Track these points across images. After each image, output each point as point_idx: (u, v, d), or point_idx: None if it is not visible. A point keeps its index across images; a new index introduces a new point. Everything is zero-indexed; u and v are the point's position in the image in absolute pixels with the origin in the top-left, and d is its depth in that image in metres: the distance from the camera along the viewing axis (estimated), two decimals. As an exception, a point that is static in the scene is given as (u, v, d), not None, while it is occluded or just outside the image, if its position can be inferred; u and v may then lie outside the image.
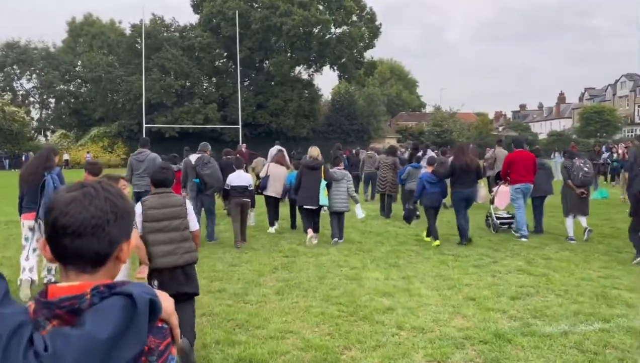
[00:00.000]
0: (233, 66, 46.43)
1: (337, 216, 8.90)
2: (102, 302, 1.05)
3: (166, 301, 1.19)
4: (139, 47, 42.42)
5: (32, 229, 5.96)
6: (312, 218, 8.88)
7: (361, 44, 50.92)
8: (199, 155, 9.08)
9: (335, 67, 51.98)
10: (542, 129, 75.73)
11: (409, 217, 9.76)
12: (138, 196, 8.37)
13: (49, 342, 0.95)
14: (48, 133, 56.46)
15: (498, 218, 9.90)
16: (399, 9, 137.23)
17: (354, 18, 50.45)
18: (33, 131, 54.43)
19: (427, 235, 8.88)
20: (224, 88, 49.20)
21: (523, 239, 8.85)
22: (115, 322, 1.01)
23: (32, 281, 5.79)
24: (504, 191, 9.57)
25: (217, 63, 50.51)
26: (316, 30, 49.25)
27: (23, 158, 43.23)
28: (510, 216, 9.87)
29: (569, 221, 8.87)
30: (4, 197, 17.46)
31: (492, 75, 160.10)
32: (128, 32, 49.88)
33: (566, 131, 63.97)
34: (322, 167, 8.77)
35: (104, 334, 0.98)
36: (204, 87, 50.74)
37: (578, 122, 60.87)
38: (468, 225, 8.70)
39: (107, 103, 49.87)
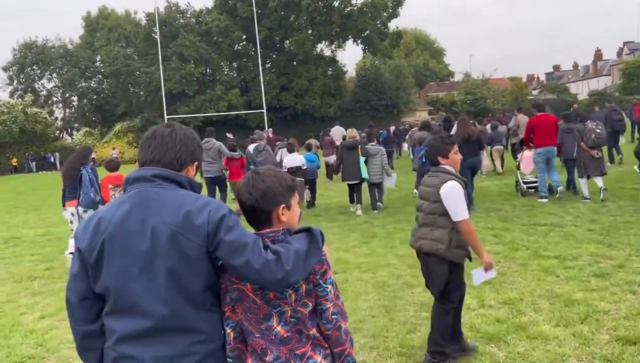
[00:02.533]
0: (253, 48, 44.50)
1: (375, 187, 9.90)
2: (292, 236, 1.75)
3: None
4: (156, 36, 40.93)
5: (73, 214, 6.99)
6: (354, 192, 9.85)
7: (385, 14, 48.17)
8: (256, 144, 10.40)
9: (358, 41, 49.46)
10: (579, 90, 71.76)
11: None
12: (212, 181, 9.95)
13: (277, 247, 1.66)
14: (74, 132, 55.97)
15: (525, 183, 10.19)
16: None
17: (376, -14, 47.65)
18: (58, 131, 53.97)
19: None
20: (245, 72, 47.46)
21: (543, 200, 9.22)
22: (305, 241, 1.71)
23: None
24: (528, 156, 9.90)
25: (236, 47, 48.69)
26: (337, 3, 46.84)
27: (52, 159, 42.64)
28: (537, 180, 10.01)
29: (583, 182, 9.10)
30: (16, 205, 16.21)
31: (520, 37, 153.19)
32: (144, 22, 48.47)
33: (607, 89, 60.16)
34: (359, 146, 9.62)
35: (303, 247, 1.68)
36: (225, 72, 49.14)
37: (619, 79, 56.98)
38: (472, 193, 9.14)
39: (129, 97, 48.87)
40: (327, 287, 1.75)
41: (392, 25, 49.93)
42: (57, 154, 43.33)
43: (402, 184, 13.47)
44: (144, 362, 1.61)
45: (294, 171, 9.79)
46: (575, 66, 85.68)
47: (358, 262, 6.21)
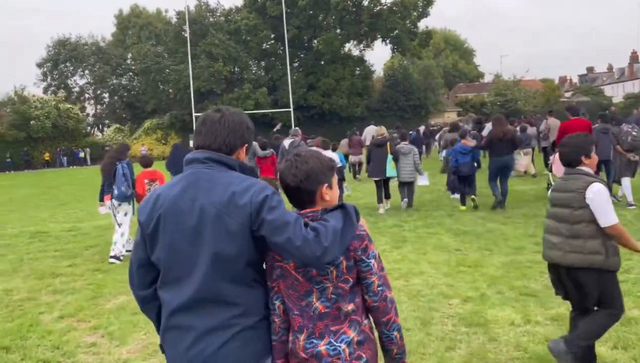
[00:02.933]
0: (281, 47, 44.40)
1: (405, 186, 10.00)
2: (328, 213, 1.79)
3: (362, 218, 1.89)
4: (186, 34, 41.19)
5: (109, 208, 7.36)
6: (381, 188, 9.93)
7: (414, 13, 47.47)
8: (292, 140, 10.22)
9: (387, 41, 48.84)
10: (614, 92, 69.64)
11: (454, 189, 10.79)
12: None
13: (316, 225, 1.72)
14: (104, 128, 56.83)
15: None
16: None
17: (406, -15, 46.95)
18: (89, 127, 54.88)
19: (463, 203, 9.56)
20: (273, 71, 47.41)
21: None
22: (340, 218, 1.75)
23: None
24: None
25: (264, 45, 48.64)
26: (366, 2, 46.36)
27: (80, 155, 43.32)
28: None
29: (627, 187, 8.81)
30: (45, 199, 16.36)
31: (552, 38, 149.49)
32: (174, 20, 48.87)
33: (644, 92, 58.15)
34: (388, 143, 9.64)
35: (339, 224, 1.73)
36: (253, 71, 49.12)
37: (658, 82, 55.01)
38: (506, 196, 9.22)
39: (158, 94, 49.30)
40: (371, 261, 1.80)
41: (422, 25, 49.21)
42: (87, 149, 44.01)
43: (432, 186, 13.06)
44: (189, 331, 1.76)
45: None
46: (610, 68, 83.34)
47: (389, 268, 5.87)
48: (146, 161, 7.71)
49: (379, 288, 1.81)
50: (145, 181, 7.39)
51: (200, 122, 1.93)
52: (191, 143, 19.11)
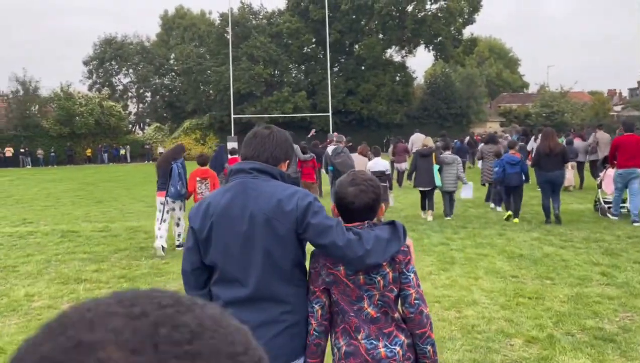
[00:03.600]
0: (322, 52, 44.14)
1: (448, 195, 10.00)
2: (378, 226, 1.95)
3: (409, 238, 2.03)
4: (228, 36, 41.37)
5: (162, 203, 7.61)
6: (426, 198, 10.06)
7: (460, 19, 46.39)
8: (335, 146, 10.35)
9: (430, 47, 47.90)
10: (668, 107, 66.31)
11: (499, 200, 10.68)
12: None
13: (359, 231, 1.89)
14: (145, 127, 57.80)
15: (606, 202, 9.93)
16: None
17: (452, -9, 45.94)
18: (130, 125, 55.90)
19: (515, 216, 9.36)
20: (313, 75, 47.14)
21: (614, 217, 9.19)
22: (388, 231, 1.92)
23: (163, 248, 7.38)
24: (611, 176, 9.66)
25: (305, 49, 48.48)
26: (410, 8, 45.59)
27: (117, 153, 44.03)
28: None
29: None
30: (81, 196, 16.36)
31: (601, 49, 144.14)
32: (217, 22, 49.27)
33: (702, 108, 55.17)
34: (433, 154, 9.77)
35: (385, 236, 1.89)
36: (293, 75, 49.02)
37: None
38: (558, 208, 9.00)
39: (199, 95, 49.76)
40: (410, 275, 1.94)
41: (467, 32, 48.04)
42: (128, 147, 44.74)
43: (478, 200, 12.35)
44: (244, 324, 1.42)
45: (378, 175, 9.68)
46: (664, 81, 79.61)
47: (437, 295, 5.28)
48: (203, 160, 8.28)
49: (415, 301, 1.92)
50: (197, 179, 7.91)
51: (251, 136, 2.09)
52: (229, 145, 19.11)
